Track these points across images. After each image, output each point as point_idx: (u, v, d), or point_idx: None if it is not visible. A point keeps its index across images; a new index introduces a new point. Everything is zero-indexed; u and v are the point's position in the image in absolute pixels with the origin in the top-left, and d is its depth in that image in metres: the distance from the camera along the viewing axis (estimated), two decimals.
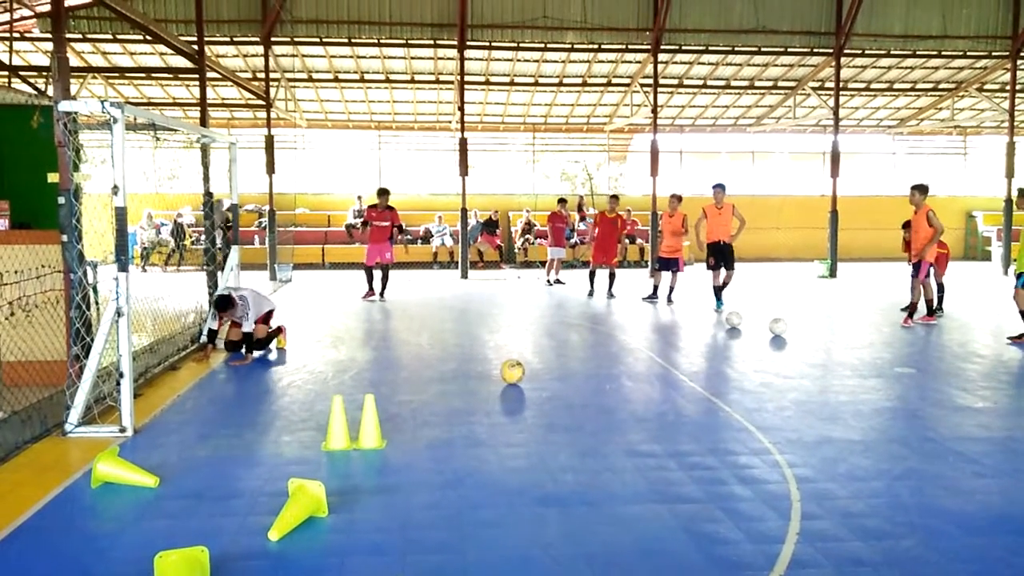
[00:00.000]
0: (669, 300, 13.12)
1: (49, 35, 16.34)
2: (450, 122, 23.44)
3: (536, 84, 21.51)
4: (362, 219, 13.93)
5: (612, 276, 14.40)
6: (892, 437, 5.73)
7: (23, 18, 17.09)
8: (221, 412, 6.52)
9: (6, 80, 14.85)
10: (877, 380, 7.54)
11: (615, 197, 14.57)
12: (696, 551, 3.80)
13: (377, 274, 13.72)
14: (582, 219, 21.98)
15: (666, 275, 13.38)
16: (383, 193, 13.71)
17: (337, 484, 4.59)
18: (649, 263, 18.99)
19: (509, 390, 7.06)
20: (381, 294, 13.71)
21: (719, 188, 12.26)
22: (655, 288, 13.33)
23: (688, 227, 12.89)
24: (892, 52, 19.86)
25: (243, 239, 10.60)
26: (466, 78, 18.80)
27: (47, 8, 15.68)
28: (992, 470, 5.00)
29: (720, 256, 12.15)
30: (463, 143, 18.09)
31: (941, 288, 11.76)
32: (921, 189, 10.86)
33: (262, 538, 3.88)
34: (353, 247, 21.37)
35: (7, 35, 16.71)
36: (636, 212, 21.97)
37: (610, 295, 14.27)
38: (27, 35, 17.92)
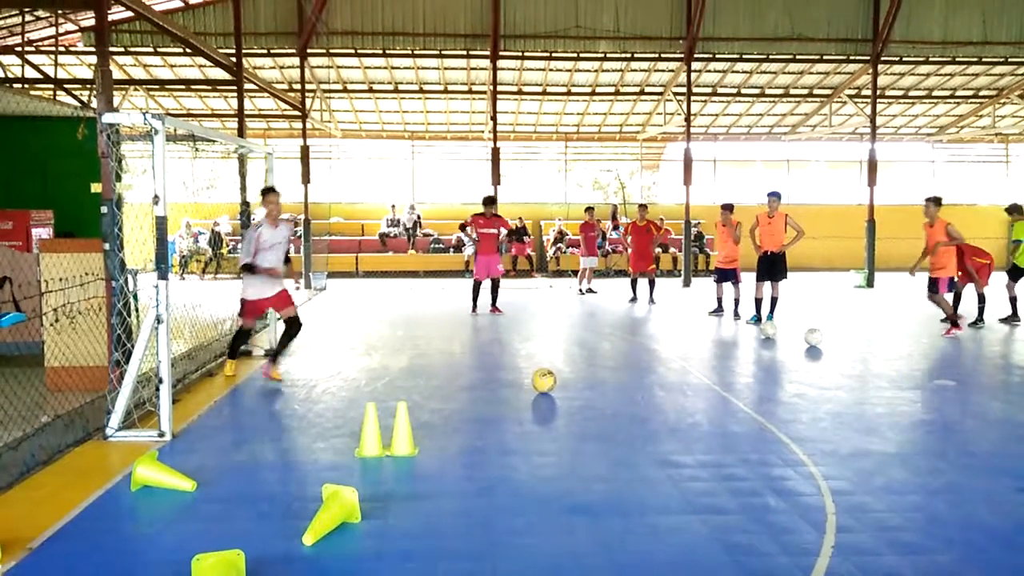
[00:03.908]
0: (736, 314, 12.34)
1: (93, 49, 16.74)
2: (483, 131, 23.56)
3: (569, 93, 21.55)
4: (464, 225, 13.02)
5: (652, 283, 14.68)
6: (930, 450, 5.63)
7: (68, 32, 17.57)
8: (257, 418, 6.61)
9: (51, 93, 15.26)
10: (915, 392, 7.41)
11: (643, 206, 15.05)
12: (730, 563, 3.76)
13: (485, 286, 12.97)
14: (615, 228, 21.92)
15: (728, 287, 12.58)
16: (491, 201, 12.99)
17: (370, 490, 4.62)
18: (682, 272, 18.89)
19: (540, 399, 7.06)
20: (494, 305, 12.98)
21: (773, 196, 11.69)
22: (719, 301, 12.75)
23: (743, 234, 12.40)
24: (931, 59, 19.57)
25: None
26: (499, 88, 18.92)
27: (91, 23, 16.10)
28: None
29: (767, 268, 11.66)
30: (495, 152, 18.17)
31: (982, 299, 11.54)
32: (936, 202, 10.72)
33: (297, 543, 3.93)
34: (386, 255, 21.56)
35: (52, 49, 17.18)
36: (669, 221, 21.89)
37: (651, 302, 14.51)
38: (72, 49, 18.41)
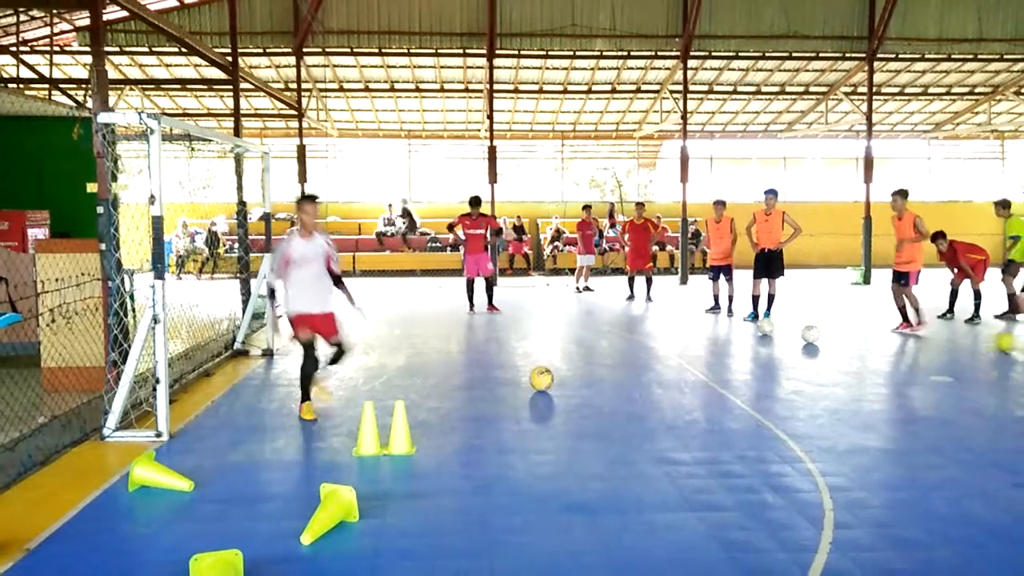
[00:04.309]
0: (729, 312, 12.40)
1: (88, 48, 16.73)
2: (479, 130, 23.55)
3: (565, 91, 21.54)
4: (452, 226, 13.25)
5: (649, 281, 14.73)
6: (927, 446, 5.64)
7: (63, 32, 17.54)
8: (254, 418, 6.59)
9: (46, 92, 15.23)
10: (912, 388, 7.42)
11: (640, 204, 15.10)
12: (727, 560, 3.77)
13: (479, 285, 13.13)
14: (612, 226, 21.94)
15: (723, 284, 12.61)
16: (477, 202, 12.96)
17: (368, 489, 4.62)
18: (680, 269, 18.90)
19: (538, 397, 7.06)
20: (491, 303, 13.06)
21: (770, 194, 11.68)
22: (715, 298, 12.78)
23: (737, 231, 12.45)
24: (927, 56, 19.59)
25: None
26: (495, 86, 18.90)
27: (86, 22, 16.06)
28: None
29: (764, 265, 11.67)
30: (492, 151, 18.16)
31: (978, 295, 11.56)
32: (902, 194, 10.70)
33: (294, 542, 3.93)
34: (384, 255, 21.55)
35: (47, 48, 17.14)
36: (666, 219, 21.88)
37: (648, 299, 14.54)
38: (67, 48, 18.37)
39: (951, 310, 11.90)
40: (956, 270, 11.90)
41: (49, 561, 3.80)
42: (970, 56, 19.64)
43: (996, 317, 11.78)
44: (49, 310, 6.78)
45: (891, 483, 4.81)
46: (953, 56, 19.60)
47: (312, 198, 6.54)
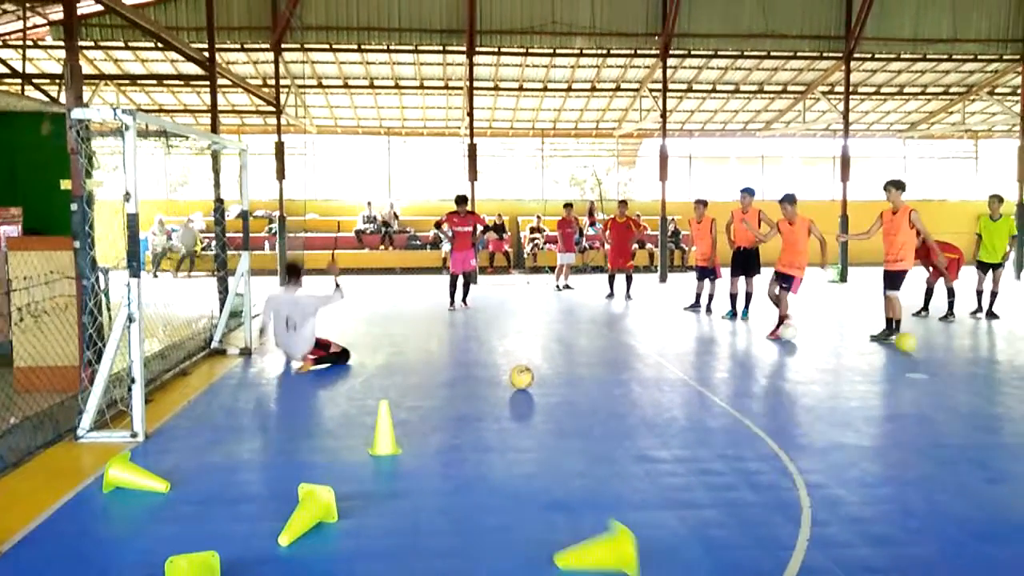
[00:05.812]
0: (708, 310, 12.53)
1: (62, 43, 16.47)
2: (459, 128, 23.50)
3: (545, 89, 21.56)
4: (439, 223, 13.30)
5: (629, 279, 14.77)
6: (903, 443, 5.70)
7: (36, 26, 17.25)
8: (231, 418, 6.54)
9: (19, 87, 14.98)
10: (888, 385, 7.50)
11: (623, 202, 15.12)
12: (706, 557, 3.78)
13: (461, 282, 13.24)
14: (592, 224, 21.98)
15: (705, 283, 12.69)
16: (463, 200, 13.04)
17: (347, 489, 4.59)
18: (659, 267, 18.98)
19: (518, 396, 7.05)
20: (464, 300, 13.29)
21: (746, 192, 11.74)
22: (697, 297, 12.86)
23: (717, 231, 12.50)
24: (902, 56, 19.81)
25: (253, 245, 10.43)
26: (475, 84, 18.85)
27: (60, 16, 15.81)
28: (1005, 476, 4.96)
29: (741, 263, 11.79)
30: (472, 149, 18.12)
31: (952, 293, 11.71)
32: (790, 200, 10.54)
33: (272, 543, 3.89)
34: (363, 252, 21.45)
35: (20, 43, 16.86)
36: (646, 217, 21.94)
37: (628, 297, 14.59)
38: (40, 43, 18.09)
39: (926, 308, 12.05)
40: (931, 268, 12.04)
41: (22, 564, 3.74)
42: (944, 56, 19.88)
43: (971, 315, 11.95)
44: (17, 308, 6.67)
45: (868, 480, 4.86)
46: (928, 56, 19.83)
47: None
